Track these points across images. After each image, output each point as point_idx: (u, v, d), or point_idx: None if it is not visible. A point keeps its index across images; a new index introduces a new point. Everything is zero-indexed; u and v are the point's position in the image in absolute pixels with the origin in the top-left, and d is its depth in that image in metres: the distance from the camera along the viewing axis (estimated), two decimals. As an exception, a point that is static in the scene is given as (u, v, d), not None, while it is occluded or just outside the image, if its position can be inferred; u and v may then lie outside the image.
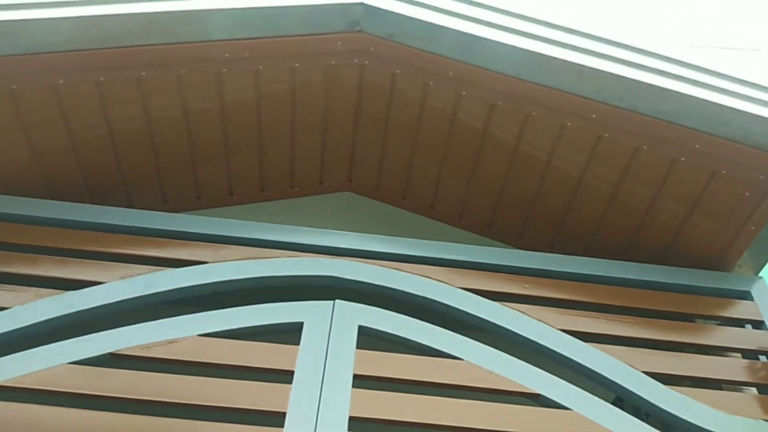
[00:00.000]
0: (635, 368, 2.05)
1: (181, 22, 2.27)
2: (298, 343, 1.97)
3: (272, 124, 2.73)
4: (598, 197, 2.61)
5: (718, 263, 2.50)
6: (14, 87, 2.24)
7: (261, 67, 2.48)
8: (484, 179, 2.81)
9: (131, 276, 2.10)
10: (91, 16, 2.18)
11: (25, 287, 2.05)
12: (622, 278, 2.40)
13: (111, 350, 1.88)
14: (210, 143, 2.70)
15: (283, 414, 1.77)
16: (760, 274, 2.54)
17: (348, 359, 1.92)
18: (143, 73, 2.34)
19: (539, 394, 1.90)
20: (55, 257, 2.18)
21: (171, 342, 1.92)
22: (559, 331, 2.11)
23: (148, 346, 1.90)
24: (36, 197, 2.45)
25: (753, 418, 1.99)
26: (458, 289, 2.21)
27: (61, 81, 2.27)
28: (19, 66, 2.20)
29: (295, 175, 3.04)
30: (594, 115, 2.34)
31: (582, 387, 1.95)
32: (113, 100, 2.39)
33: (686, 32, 3.40)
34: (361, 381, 1.88)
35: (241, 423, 1.75)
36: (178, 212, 2.88)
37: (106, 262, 2.17)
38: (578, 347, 2.07)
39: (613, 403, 1.96)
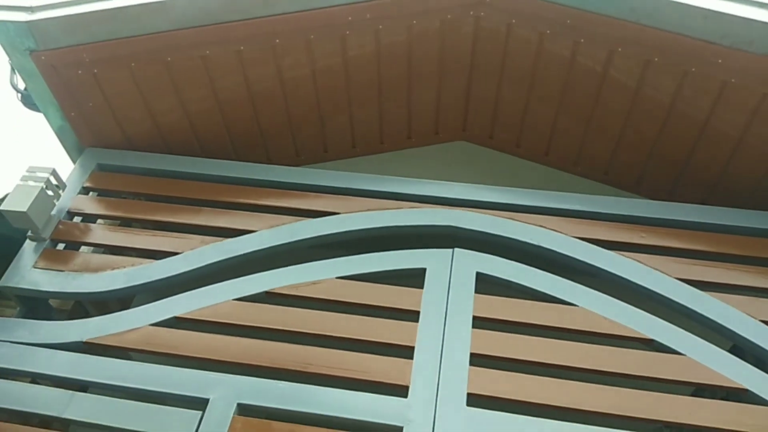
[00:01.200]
0: (753, 317, 2.07)
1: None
2: (422, 287, 2.19)
3: (391, 78, 2.88)
4: (724, 142, 2.54)
5: None
6: (169, 59, 2.55)
7: (380, 26, 2.61)
8: (601, 125, 2.81)
9: (278, 225, 2.41)
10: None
11: (191, 235, 2.42)
12: (743, 227, 2.37)
13: (266, 289, 2.21)
14: (335, 99, 2.91)
15: (412, 348, 2.02)
16: None
17: (467, 302, 2.12)
18: (276, 40, 2.56)
19: (653, 340, 2.01)
20: (214, 209, 2.52)
21: (314, 283, 2.22)
22: (676, 280, 2.17)
23: (296, 286, 2.21)
24: (191, 155, 2.81)
25: None
26: (573, 239, 2.31)
27: (207, 52, 2.55)
28: (173, 40, 2.50)
29: (412, 126, 3.20)
30: (720, 60, 2.27)
31: (700, 335, 2.02)
32: (251, 64, 2.64)
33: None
34: (480, 322, 2.08)
35: (373, 354, 2.03)
36: (308, 164, 3.19)
37: (257, 213, 2.49)
38: (694, 295, 2.12)
39: (731, 351, 2.02)
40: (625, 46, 2.44)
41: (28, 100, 3.32)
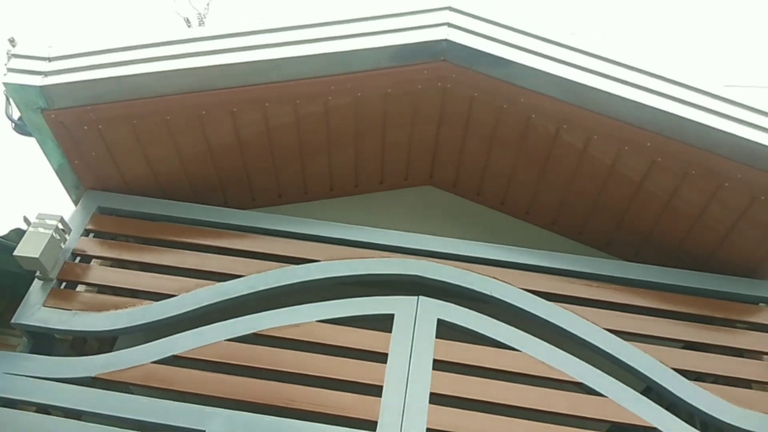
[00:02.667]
0: (665, 364, 2.49)
1: (296, 64, 2.77)
2: (390, 330, 2.54)
3: (366, 132, 3.21)
4: (655, 207, 2.96)
5: (754, 272, 2.84)
6: (168, 118, 2.84)
7: (359, 94, 2.95)
8: (551, 180, 3.20)
9: (262, 271, 2.72)
10: (222, 64, 2.72)
11: (187, 278, 2.71)
12: (666, 284, 2.80)
13: (254, 331, 2.53)
14: (315, 144, 3.21)
15: (381, 387, 2.37)
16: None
17: (429, 346, 2.48)
18: (266, 104, 2.87)
19: (581, 383, 2.40)
20: (205, 253, 2.82)
21: (297, 325, 2.54)
22: (603, 330, 2.57)
23: (280, 328, 2.54)
24: (183, 198, 3.10)
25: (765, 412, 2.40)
26: (519, 290, 2.69)
27: (203, 112, 2.85)
28: (172, 103, 2.78)
29: (384, 172, 3.55)
30: (649, 143, 2.69)
31: (620, 378, 2.43)
32: (242, 123, 2.95)
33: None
34: (439, 364, 2.44)
35: (347, 392, 2.37)
36: (288, 203, 3.51)
37: (242, 258, 2.79)
38: (617, 344, 2.53)
39: (644, 392, 2.43)
40: (568, 124, 2.84)
41: (21, 129, 3.54)
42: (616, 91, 2.65)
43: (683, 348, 2.80)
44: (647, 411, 2.35)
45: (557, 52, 2.73)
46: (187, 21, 5.71)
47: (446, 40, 2.81)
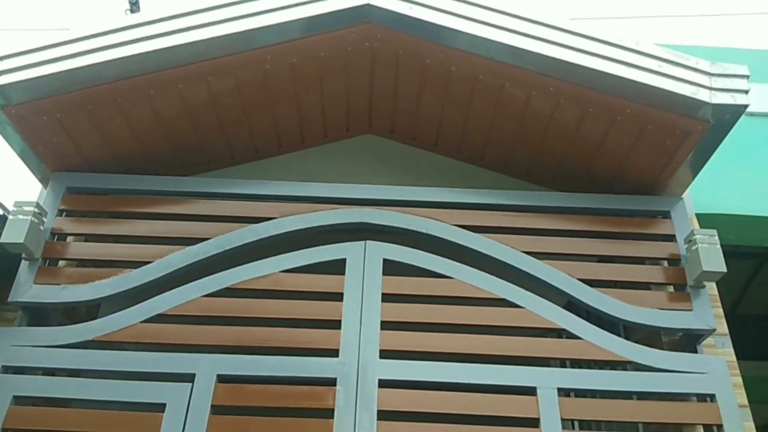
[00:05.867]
0: (580, 276, 3.00)
1: (234, 40, 3.01)
2: (343, 273, 2.97)
3: (306, 91, 3.49)
4: (565, 139, 3.39)
5: (653, 189, 3.34)
6: (120, 100, 3.08)
7: (295, 60, 3.22)
8: (475, 121, 3.57)
9: (226, 232, 3.08)
10: (164, 48, 2.94)
11: (159, 245, 3.05)
12: (578, 207, 3.27)
13: (226, 285, 2.91)
14: (260, 109, 3.49)
15: (339, 321, 2.82)
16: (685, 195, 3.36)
17: (378, 282, 2.93)
18: (209, 78, 3.13)
19: (504, 298, 2.91)
20: (172, 221, 3.15)
21: (263, 277, 2.94)
22: (522, 253, 3.05)
23: (249, 281, 2.93)
24: (142, 170, 3.37)
25: (661, 308, 2.95)
26: (452, 226, 3.13)
27: (152, 92, 3.09)
28: (122, 87, 3.01)
29: (327, 125, 3.86)
30: (552, 88, 3.08)
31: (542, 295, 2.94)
32: (188, 94, 3.20)
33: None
34: (387, 297, 2.90)
35: (312, 328, 2.82)
36: (241, 163, 3.82)
37: (206, 222, 3.14)
38: (534, 264, 3.02)
39: (566, 306, 2.95)
40: (484, 73, 3.19)
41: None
42: (524, 46, 2.99)
43: (596, 261, 3.32)
44: (558, 316, 2.88)
45: (462, 9, 3.03)
46: (132, 4, 5.68)
47: (368, 5, 3.08)
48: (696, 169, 3.21)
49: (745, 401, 2.87)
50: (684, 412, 2.76)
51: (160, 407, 2.59)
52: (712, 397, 2.72)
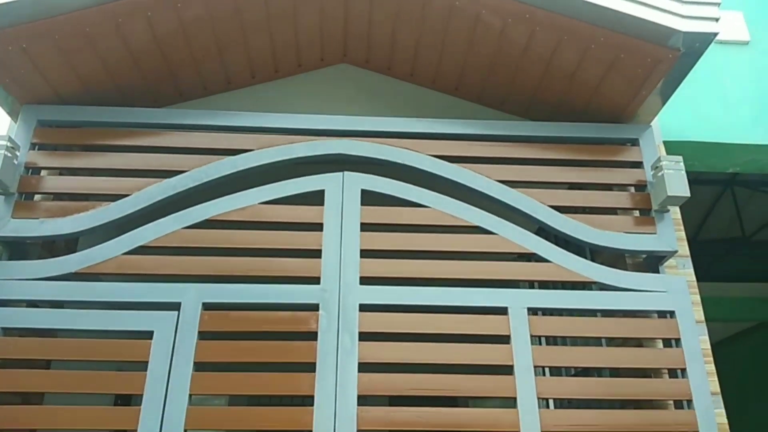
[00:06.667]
0: (544, 203, 3.12)
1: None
2: (322, 204, 3.02)
3: (279, 19, 3.42)
4: (538, 69, 3.41)
5: (623, 117, 3.42)
6: (87, 29, 2.98)
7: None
8: (450, 50, 3.56)
9: (203, 165, 3.09)
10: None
11: (136, 178, 3.05)
12: (551, 136, 3.34)
13: (206, 217, 2.96)
14: (232, 38, 3.42)
15: (319, 250, 2.90)
16: (653, 123, 3.46)
17: (356, 212, 3.00)
18: (178, 5, 3.04)
19: (478, 225, 3.01)
20: (147, 153, 3.14)
21: (243, 209, 2.98)
22: (496, 181, 3.14)
23: (228, 213, 2.97)
24: (112, 102, 3.32)
25: (627, 232, 3.09)
26: (428, 156, 3.19)
27: (120, 20, 3.00)
28: (90, 16, 2.92)
29: (301, 55, 3.81)
30: (527, 15, 3.08)
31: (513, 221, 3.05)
32: (157, 22, 3.11)
33: None
34: (365, 226, 2.97)
35: (293, 257, 2.90)
36: (214, 94, 3.77)
37: (182, 155, 3.13)
38: (505, 191, 3.11)
39: (537, 233, 3.07)
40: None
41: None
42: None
43: (568, 189, 3.42)
44: (529, 241, 3.01)
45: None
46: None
47: None
48: (665, 97, 3.28)
49: (702, 317, 3.08)
50: (645, 327, 2.95)
51: (148, 334, 2.68)
52: (672, 313, 2.91)
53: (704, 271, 6.54)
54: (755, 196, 5.98)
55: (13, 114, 3.24)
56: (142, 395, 2.57)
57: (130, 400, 2.76)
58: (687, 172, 3.09)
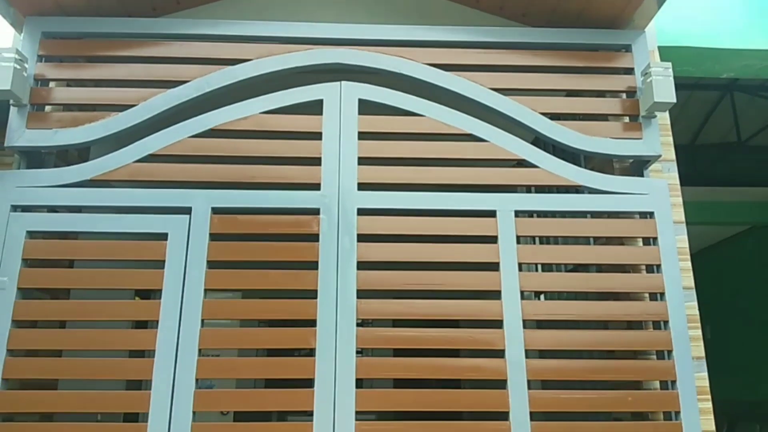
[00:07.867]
0: (537, 110, 3.22)
1: None
2: (321, 113, 3.14)
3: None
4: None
5: (618, 22, 3.43)
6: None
7: None
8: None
9: (206, 74, 3.18)
10: None
11: (142, 89, 3.17)
12: (546, 42, 3.38)
13: (211, 127, 3.09)
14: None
15: (319, 158, 3.06)
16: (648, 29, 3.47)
17: (354, 121, 3.12)
18: None
19: (471, 133, 3.14)
20: (151, 64, 3.22)
21: (245, 118, 3.12)
22: (489, 89, 3.23)
23: (231, 122, 3.11)
24: (114, 13, 3.36)
25: (615, 138, 3.21)
26: (423, 65, 3.26)
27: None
28: None
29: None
30: None
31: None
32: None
33: None
34: (363, 135, 3.11)
35: (294, 165, 3.06)
36: (213, 1, 3.78)
37: (184, 65, 3.22)
38: (499, 99, 3.21)
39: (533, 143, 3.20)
40: None
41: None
42: None
43: (565, 96, 3.51)
44: (520, 148, 3.15)
45: None
46: None
47: None
48: (661, 0, 3.29)
49: (682, 218, 3.26)
50: (626, 227, 3.14)
51: (163, 236, 2.90)
52: (651, 214, 3.10)
53: (701, 176, 6.69)
54: (755, 102, 6.01)
55: (16, 26, 3.30)
56: (161, 290, 2.83)
57: (149, 296, 3.03)
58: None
